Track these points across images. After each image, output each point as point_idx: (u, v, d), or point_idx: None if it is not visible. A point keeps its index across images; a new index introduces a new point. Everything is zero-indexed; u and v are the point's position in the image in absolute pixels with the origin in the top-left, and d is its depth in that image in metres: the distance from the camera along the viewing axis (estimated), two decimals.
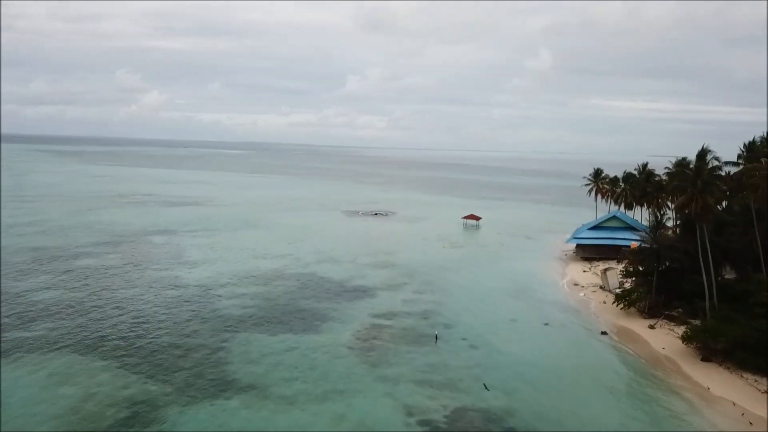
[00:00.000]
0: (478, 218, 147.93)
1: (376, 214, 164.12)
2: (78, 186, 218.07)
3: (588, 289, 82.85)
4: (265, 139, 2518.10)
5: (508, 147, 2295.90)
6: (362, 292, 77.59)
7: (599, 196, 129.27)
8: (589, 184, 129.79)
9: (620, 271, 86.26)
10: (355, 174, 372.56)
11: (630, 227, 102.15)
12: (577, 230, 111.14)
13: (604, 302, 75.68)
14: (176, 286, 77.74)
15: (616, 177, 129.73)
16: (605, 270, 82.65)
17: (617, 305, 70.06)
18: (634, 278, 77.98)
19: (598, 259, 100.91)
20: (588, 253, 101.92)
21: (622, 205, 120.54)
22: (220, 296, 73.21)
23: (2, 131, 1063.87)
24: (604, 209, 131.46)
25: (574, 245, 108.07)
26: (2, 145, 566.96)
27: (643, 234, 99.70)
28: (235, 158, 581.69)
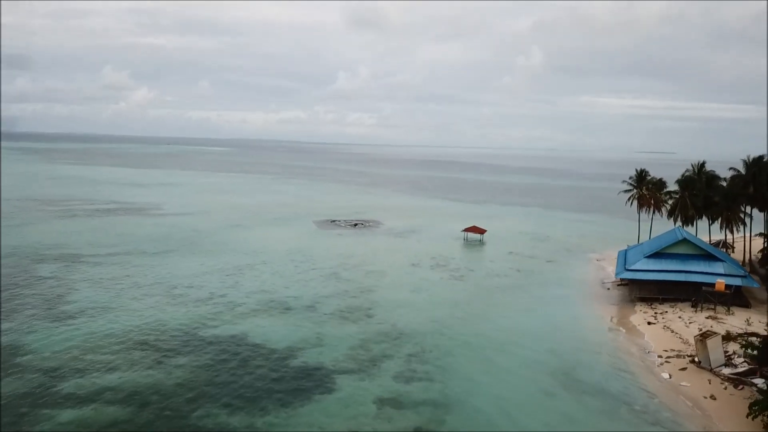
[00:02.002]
0: (482, 231, 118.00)
1: (356, 225, 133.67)
2: (14, 191, 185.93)
3: (672, 363, 52.79)
4: (254, 136, 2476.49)
5: (497, 144, 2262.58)
6: (312, 381, 47.04)
7: (637, 204, 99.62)
8: (629, 191, 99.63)
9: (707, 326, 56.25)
10: (340, 173, 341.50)
11: (708, 255, 72.02)
12: (626, 254, 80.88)
13: (713, 397, 45.66)
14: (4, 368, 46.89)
15: (661, 181, 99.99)
16: (702, 336, 52.34)
17: (753, 417, 39.92)
18: (755, 350, 48.28)
19: (661, 301, 70.92)
20: (647, 291, 71.84)
21: (678, 220, 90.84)
22: (56, 397, 42.42)
23: None
24: (645, 220, 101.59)
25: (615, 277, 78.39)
26: None
27: (731, 266, 70.32)
28: (217, 156, 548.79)
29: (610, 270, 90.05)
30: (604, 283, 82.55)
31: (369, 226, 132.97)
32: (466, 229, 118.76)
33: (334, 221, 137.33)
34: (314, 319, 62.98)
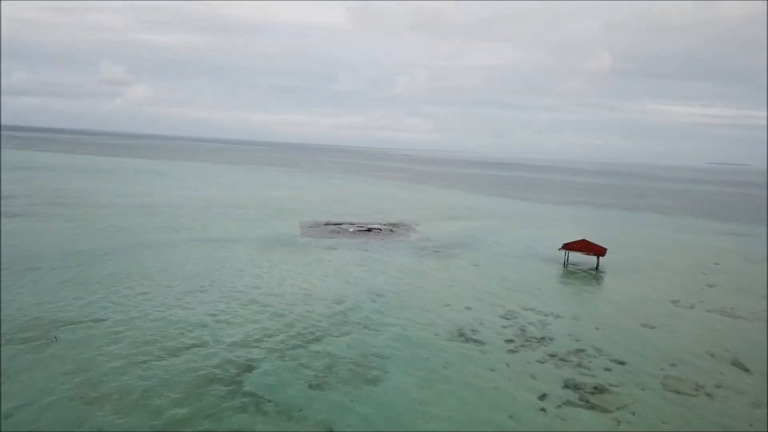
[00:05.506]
0: (600, 250, 61.46)
1: (369, 230, 79.08)
2: None
3: None
4: (312, 141, 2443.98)
5: (555, 151, 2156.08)
6: None
7: None
8: None
9: None
10: (378, 169, 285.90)
11: None
12: None
13: None
14: None
15: None
16: None
17: None
18: None
19: None
20: None
21: None
22: None
23: None
24: None
25: None
26: None
27: None
28: (251, 152, 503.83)
29: None
30: None
31: (391, 232, 78.00)
32: (569, 246, 62.26)
33: (336, 224, 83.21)
34: None
